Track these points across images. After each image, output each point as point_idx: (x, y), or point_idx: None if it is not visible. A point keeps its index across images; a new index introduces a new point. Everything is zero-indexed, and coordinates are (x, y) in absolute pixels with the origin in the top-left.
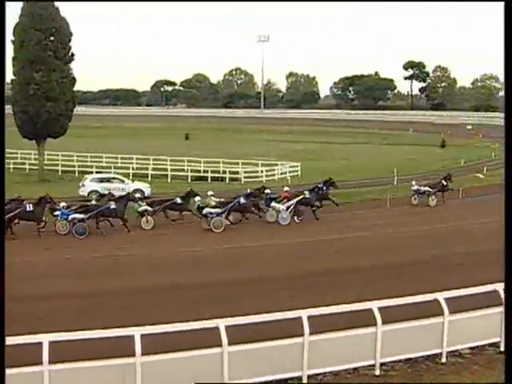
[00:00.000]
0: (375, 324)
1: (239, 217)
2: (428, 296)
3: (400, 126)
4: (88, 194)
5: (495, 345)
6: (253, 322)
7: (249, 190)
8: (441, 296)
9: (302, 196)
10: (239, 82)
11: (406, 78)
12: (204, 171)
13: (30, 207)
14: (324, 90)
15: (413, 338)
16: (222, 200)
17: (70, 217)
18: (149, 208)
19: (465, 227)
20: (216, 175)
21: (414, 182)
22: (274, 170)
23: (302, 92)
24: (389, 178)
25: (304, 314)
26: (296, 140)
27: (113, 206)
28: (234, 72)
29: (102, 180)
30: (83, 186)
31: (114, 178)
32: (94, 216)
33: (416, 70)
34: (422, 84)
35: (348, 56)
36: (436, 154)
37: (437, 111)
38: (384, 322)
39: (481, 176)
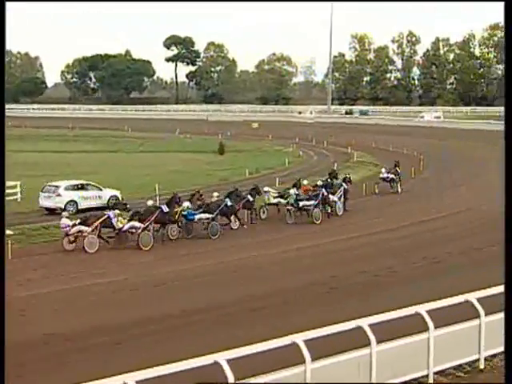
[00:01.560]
0: None
1: None
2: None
3: (163, 126)
4: (65, 205)
5: None
6: None
7: None
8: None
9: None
10: None
11: (168, 60)
12: None
13: (165, 208)
14: (52, 77)
15: None
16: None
17: (197, 217)
18: (282, 200)
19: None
20: None
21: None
22: None
23: (20, 79)
24: (147, 197)
25: None
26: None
27: (229, 202)
28: None
29: (77, 187)
30: (59, 195)
31: (88, 185)
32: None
33: (182, 48)
34: (191, 68)
35: (87, 29)
36: (212, 163)
37: (212, 104)
38: None
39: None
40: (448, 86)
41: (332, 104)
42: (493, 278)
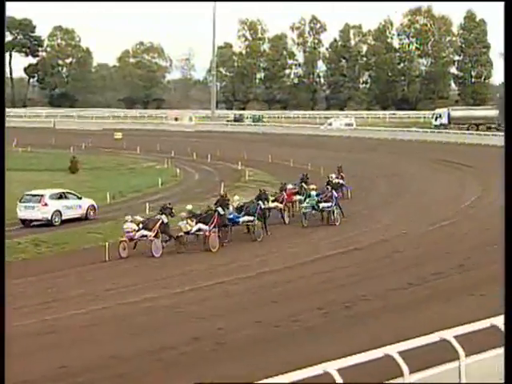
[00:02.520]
0: None
1: None
2: None
3: None
4: (52, 216)
5: None
6: None
7: None
8: None
9: None
10: None
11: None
12: None
13: (221, 211)
14: None
15: None
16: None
17: (241, 220)
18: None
19: None
20: None
21: None
22: None
23: None
24: None
25: None
26: None
27: (262, 205)
28: None
29: (60, 196)
30: (45, 205)
31: (68, 193)
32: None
33: (18, 33)
34: (31, 60)
35: None
36: (61, 185)
37: (60, 108)
38: None
39: (138, 219)
40: (361, 85)
41: (217, 108)
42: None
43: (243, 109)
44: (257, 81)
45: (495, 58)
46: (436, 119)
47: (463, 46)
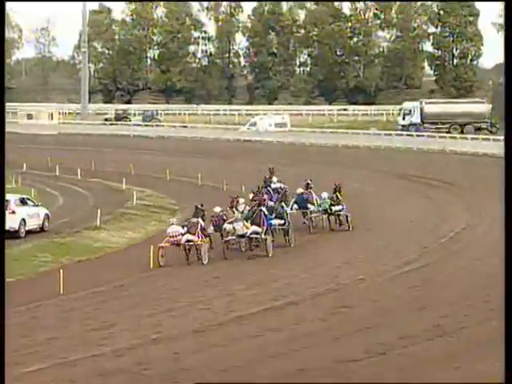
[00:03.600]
0: None
1: None
2: None
3: None
4: (19, 226)
5: None
6: None
7: None
8: None
9: None
10: None
11: None
12: None
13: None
14: None
15: None
16: None
17: (273, 222)
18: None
19: None
20: None
21: None
22: None
23: None
24: None
25: None
26: None
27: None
28: None
29: (22, 202)
30: (13, 212)
31: (28, 199)
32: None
33: None
34: None
35: None
36: None
37: None
38: None
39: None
40: (298, 69)
41: (90, 101)
42: None
43: (129, 102)
44: (148, 62)
45: (486, 30)
46: (404, 117)
47: (441, 12)
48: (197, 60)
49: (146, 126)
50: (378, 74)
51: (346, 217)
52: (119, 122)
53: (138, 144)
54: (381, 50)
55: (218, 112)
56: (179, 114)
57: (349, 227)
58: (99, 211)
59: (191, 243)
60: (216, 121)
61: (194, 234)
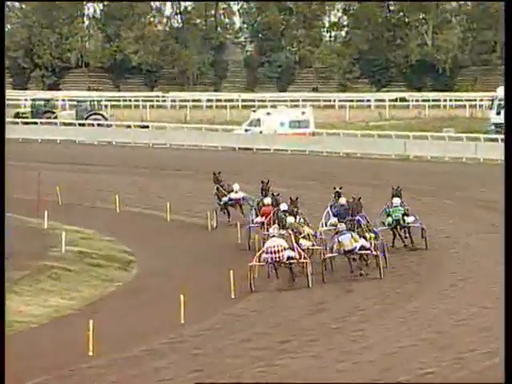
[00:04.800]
0: None
1: None
2: None
3: None
4: None
5: None
6: None
7: None
8: None
9: None
10: None
11: None
12: None
13: None
14: None
15: None
16: None
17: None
18: None
19: None
20: None
21: None
22: None
23: None
24: None
25: None
26: None
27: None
28: None
29: None
30: None
31: None
32: None
33: None
34: None
35: None
36: None
37: None
38: None
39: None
40: (326, 34)
41: None
42: None
43: (55, 87)
44: (86, 22)
45: None
46: (499, 111)
47: None
48: (164, 20)
49: (82, 125)
50: (457, 41)
51: (422, 230)
52: (39, 119)
53: (70, 154)
54: (460, 2)
55: (198, 103)
56: (136, 106)
57: (426, 245)
58: (8, 264)
59: (294, 261)
60: (195, 118)
61: (293, 250)
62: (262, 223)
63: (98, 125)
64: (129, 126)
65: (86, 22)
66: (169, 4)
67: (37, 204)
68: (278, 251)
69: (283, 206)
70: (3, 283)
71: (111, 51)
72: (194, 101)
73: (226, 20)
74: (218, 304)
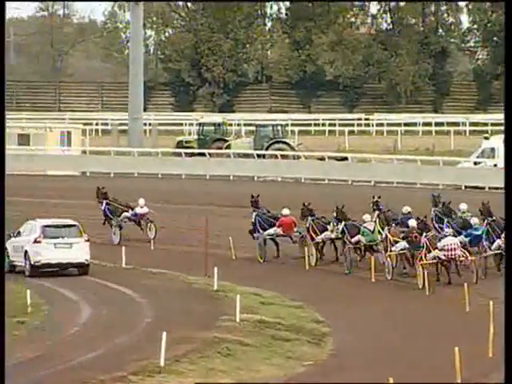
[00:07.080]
0: None
1: None
2: None
3: None
4: None
5: None
6: None
7: None
8: None
9: None
10: None
11: None
12: None
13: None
14: None
15: None
16: None
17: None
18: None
19: None
20: None
21: None
22: None
23: None
24: None
25: None
26: None
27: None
28: None
29: None
30: None
31: None
32: None
33: None
34: None
35: None
36: None
37: None
38: None
39: None
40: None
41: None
42: None
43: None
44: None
45: None
46: None
47: None
48: (368, 20)
49: (262, 156)
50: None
51: (501, 256)
52: (208, 150)
53: (246, 194)
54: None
55: (412, 128)
56: (331, 132)
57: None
58: (164, 336)
59: (462, 259)
60: (408, 147)
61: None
62: None
63: (283, 156)
64: (322, 158)
65: (268, 25)
66: None
67: (204, 258)
68: (454, 249)
69: None
70: (3, 283)
71: (300, 61)
72: (406, 125)
73: (450, 19)
74: None
